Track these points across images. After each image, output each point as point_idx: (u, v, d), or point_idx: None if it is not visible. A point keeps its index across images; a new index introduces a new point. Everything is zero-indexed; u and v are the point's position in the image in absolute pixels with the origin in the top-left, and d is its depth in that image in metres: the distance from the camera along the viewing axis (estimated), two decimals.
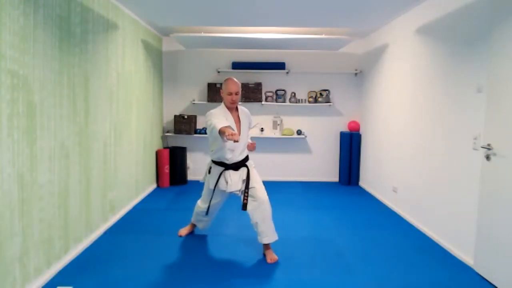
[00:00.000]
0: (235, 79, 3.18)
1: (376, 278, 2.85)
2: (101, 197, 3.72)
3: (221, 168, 3.17)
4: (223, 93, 3.15)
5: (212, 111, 3.12)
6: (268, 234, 3.14)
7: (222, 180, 3.16)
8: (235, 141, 2.62)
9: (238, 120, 3.21)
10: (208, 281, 2.79)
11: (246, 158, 3.27)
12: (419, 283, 2.79)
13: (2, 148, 2.25)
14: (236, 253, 3.28)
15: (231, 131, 2.70)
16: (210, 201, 3.29)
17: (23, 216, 2.45)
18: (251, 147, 3.27)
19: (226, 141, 2.89)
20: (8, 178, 2.31)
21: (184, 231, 3.69)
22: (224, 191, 3.19)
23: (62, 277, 2.80)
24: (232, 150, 3.13)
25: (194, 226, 3.73)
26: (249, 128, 3.33)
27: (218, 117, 3.00)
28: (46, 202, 2.73)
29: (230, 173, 3.15)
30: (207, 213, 3.37)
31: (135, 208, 4.60)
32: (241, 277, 2.88)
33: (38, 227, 2.63)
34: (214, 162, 3.23)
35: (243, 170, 3.19)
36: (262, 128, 6.11)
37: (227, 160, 3.15)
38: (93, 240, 3.49)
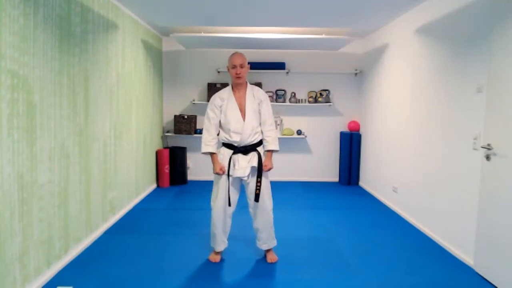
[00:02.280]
0: (240, 52, 3.04)
1: (376, 278, 2.85)
2: (101, 197, 3.72)
3: (230, 152, 2.99)
4: (229, 68, 3.01)
5: (214, 96, 3.10)
6: (267, 241, 3.12)
7: (230, 163, 2.97)
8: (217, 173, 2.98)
9: (243, 102, 3.01)
10: (208, 281, 2.79)
11: (259, 144, 3.05)
12: (419, 283, 2.79)
13: (2, 148, 2.25)
14: (236, 253, 3.28)
15: (217, 168, 2.97)
16: (229, 187, 2.97)
17: (23, 216, 2.45)
18: (265, 168, 3.00)
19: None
20: (8, 178, 2.30)
21: (212, 258, 3.16)
22: (231, 175, 2.96)
23: (62, 277, 2.80)
24: (240, 134, 2.96)
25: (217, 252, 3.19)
26: (259, 111, 3.03)
27: (213, 111, 3.04)
28: (46, 202, 2.73)
29: (238, 157, 2.97)
30: (229, 203, 2.98)
31: (135, 208, 4.60)
32: (241, 277, 2.88)
33: (38, 227, 2.62)
34: (223, 144, 3.08)
35: (253, 156, 2.98)
36: None
37: (235, 143, 2.98)
38: (93, 240, 3.49)
